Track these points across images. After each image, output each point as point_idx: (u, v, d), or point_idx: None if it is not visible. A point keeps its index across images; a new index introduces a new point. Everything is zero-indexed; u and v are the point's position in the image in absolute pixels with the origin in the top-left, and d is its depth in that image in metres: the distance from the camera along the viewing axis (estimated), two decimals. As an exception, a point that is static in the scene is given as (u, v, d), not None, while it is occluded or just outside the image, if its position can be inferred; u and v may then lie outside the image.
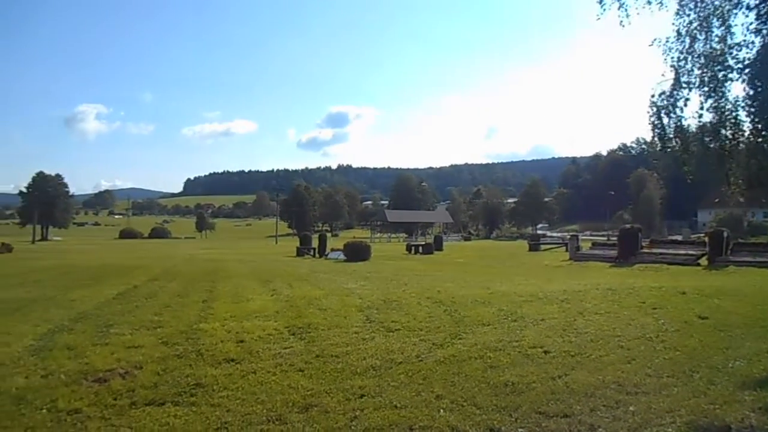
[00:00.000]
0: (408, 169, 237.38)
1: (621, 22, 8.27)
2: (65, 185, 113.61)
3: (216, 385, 5.35)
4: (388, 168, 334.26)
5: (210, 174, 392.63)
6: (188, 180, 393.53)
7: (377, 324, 8.60)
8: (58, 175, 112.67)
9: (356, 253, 28.56)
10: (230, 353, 6.63)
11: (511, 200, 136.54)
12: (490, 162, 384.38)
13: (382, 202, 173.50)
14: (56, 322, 8.75)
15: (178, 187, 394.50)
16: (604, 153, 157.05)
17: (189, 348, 6.90)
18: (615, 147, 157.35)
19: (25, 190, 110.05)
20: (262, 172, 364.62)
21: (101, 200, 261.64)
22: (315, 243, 36.40)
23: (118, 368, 5.89)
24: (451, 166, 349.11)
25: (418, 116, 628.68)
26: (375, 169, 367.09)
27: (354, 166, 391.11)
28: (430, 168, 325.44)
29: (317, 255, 33.66)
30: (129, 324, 8.58)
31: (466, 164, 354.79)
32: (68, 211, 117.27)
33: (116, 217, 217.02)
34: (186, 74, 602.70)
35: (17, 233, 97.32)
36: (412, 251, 37.94)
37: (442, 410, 4.67)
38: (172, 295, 12.55)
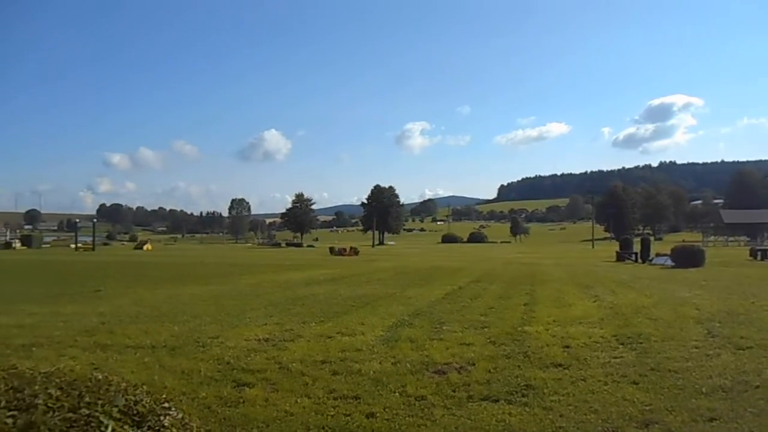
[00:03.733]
0: (748, 162, 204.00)
1: None
2: (397, 196, 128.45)
3: (546, 388, 5.37)
4: (721, 162, 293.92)
5: (522, 179, 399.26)
6: (502, 186, 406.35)
7: (722, 339, 7.59)
8: (391, 188, 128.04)
9: (686, 258, 25.65)
10: (557, 358, 6.59)
11: None
12: None
13: (716, 201, 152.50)
14: (398, 317, 9.91)
15: (492, 194, 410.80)
16: None
17: (516, 349, 7.08)
18: None
19: (365, 201, 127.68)
20: (575, 174, 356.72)
21: (425, 208, 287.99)
22: (637, 247, 33.98)
23: (453, 362, 6.37)
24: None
25: (758, 99, 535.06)
26: (704, 164, 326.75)
27: (678, 162, 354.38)
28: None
29: (640, 260, 31.33)
30: (459, 322, 9.23)
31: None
32: (399, 218, 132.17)
33: (438, 223, 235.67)
34: (501, 84, 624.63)
35: (361, 238, 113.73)
36: (759, 257, 32.44)
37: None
38: (495, 297, 13.07)
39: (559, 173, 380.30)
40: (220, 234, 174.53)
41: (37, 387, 1.69)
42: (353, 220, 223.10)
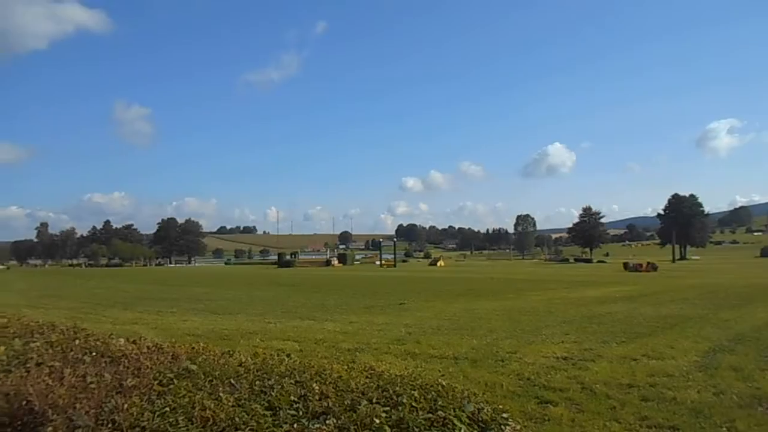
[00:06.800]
0: None
1: None
2: (699, 205, 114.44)
3: None
4: None
5: None
6: None
7: None
8: (692, 196, 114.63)
9: None
10: None
11: None
12: None
13: None
14: (714, 341, 8.82)
15: None
16: None
17: None
18: None
19: (662, 212, 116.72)
20: None
21: (737, 217, 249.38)
22: None
23: (796, 400, 5.42)
24: None
25: None
26: None
27: None
28: None
29: None
30: (797, 352, 7.83)
31: None
32: (704, 230, 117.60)
33: (755, 234, 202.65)
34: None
35: (658, 253, 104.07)
36: None
37: None
38: None
39: None
40: (507, 250, 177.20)
41: (398, 387, 1.99)
42: (648, 234, 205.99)
